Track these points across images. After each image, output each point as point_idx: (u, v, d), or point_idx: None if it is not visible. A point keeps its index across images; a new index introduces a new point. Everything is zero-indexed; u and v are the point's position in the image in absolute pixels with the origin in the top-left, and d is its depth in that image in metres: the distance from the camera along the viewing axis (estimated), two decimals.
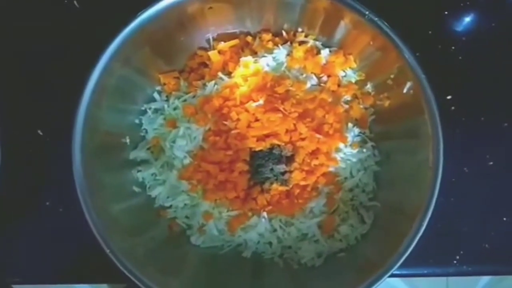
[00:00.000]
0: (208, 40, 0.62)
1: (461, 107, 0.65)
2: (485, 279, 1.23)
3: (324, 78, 0.61)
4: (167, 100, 0.61)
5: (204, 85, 0.60)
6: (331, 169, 0.58)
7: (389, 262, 0.50)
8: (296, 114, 0.56)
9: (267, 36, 0.61)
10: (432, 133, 0.51)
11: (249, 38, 0.62)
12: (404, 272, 0.62)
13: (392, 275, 0.51)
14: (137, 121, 0.61)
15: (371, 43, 0.55)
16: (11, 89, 0.65)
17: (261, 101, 0.57)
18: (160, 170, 0.59)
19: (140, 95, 0.61)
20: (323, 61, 0.60)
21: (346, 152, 0.58)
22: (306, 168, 0.57)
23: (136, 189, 0.59)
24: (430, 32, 0.66)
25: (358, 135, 0.60)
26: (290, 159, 0.57)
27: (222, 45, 0.61)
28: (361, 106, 0.61)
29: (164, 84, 0.61)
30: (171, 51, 0.60)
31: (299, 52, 0.59)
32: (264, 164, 0.57)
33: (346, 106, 0.60)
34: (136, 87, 0.60)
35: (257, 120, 0.57)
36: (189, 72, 0.62)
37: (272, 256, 0.59)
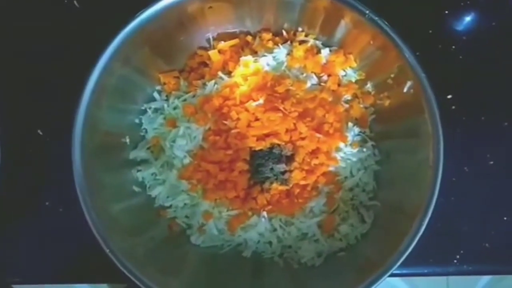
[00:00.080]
0: (208, 40, 0.62)
1: (462, 106, 0.65)
2: (485, 278, 1.23)
3: (324, 78, 0.61)
4: (167, 100, 0.61)
5: (204, 84, 0.60)
6: (331, 168, 0.58)
7: (389, 261, 0.50)
8: (296, 114, 0.56)
9: (267, 36, 0.61)
10: (432, 132, 0.51)
11: (249, 38, 0.62)
12: (404, 271, 0.62)
13: (392, 275, 0.51)
14: (137, 120, 0.61)
15: (371, 42, 0.55)
16: (11, 89, 0.65)
17: (261, 101, 0.57)
18: (160, 169, 0.59)
19: (140, 94, 0.61)
20: (323, 61, 0.60)
21: (346, 152, 0.58)
22: (306, 167, 0.57)
23: (136, 189, 0.59)
24: (430, 31, 0.66)
25: (358, 135, 0.60)
26: (290, 159, 0.57)
27: (222, 44, 0.61)
28: (361, 106, 0.61)
29: (164, 83, 0.61)
30: (171, 51, 0.60)
31: (299, 51, 0.59)
32: (264, 163, 0.57)
33: (346, 106, 0.60)
34: (136, 86, 0.60)
35: (257, 119, 0.57)
36: (189, 72, 0.62)
37: (272, 256, 0.59)
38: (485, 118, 0.65)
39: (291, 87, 0.58)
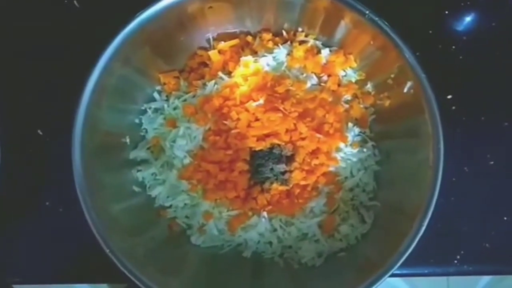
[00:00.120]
0: (208, 40, 0.62)
1: (462, 106, 0.65)
2: (485, 278, 1.23)
3: (325, 78, 0.61)
4: (167, 100, 0.61)
5: (204, 84, 0.60)
6: (331, 168, 0.58)
7: (390, 261, 0.50)
8: (296, 114, 0.56)
9: (267, 36, 0.61)
10: (432, 132, 0.51)
11: (249, 38, 0.62)
12: (404, 271, 0.62)
13: (393, 275, 0.51)
14: (137, 120, 0.61)
15: (372, 42, 0.55)
16: (11, 89, 0.65)
17: (261, 101, 0.57)
18: (160, 169, 0.59)
19: (140, 95, 0.61)
20: (323, 61, 0.60)
21: (346, 152, 0.58)
22: (306, 167, 0.57)
23: (136, 189, 0.59)
24: (430, 31, 0.66)
25: (358, 135, 0.60)
26: (290, 159, 0.57)
27: (222, 44, 0.61)
28: (362, 106, 0.61)
29: (164, 83, 0.61)
30: (171, 51, 0.60)
31: (299, 51, 0.59)
32: (264, 163, 0.57)
33: (346, 106, 0.60)
34: (136, 87, 0.60)
35: (257, 119, 0.57)
36: (189, 72, 0.62)
37: (272, 256, 0.59)
38: (485, 118, 0.65)
39: (291, 87, 0.58)
